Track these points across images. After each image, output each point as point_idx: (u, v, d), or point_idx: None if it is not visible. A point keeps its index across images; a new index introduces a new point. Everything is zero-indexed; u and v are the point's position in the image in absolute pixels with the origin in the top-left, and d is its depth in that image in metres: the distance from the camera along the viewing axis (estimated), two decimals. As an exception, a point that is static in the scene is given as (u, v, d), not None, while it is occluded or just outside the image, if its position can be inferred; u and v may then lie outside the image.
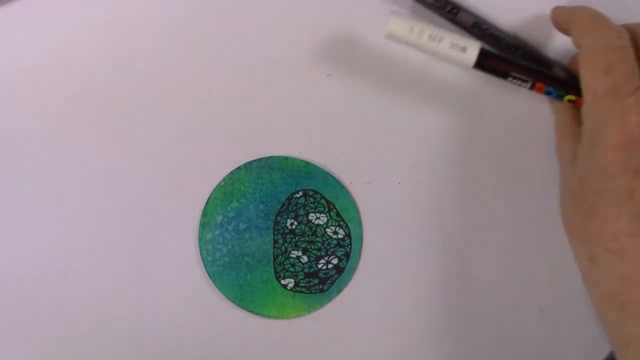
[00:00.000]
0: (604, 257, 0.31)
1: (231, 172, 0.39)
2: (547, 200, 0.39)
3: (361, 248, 0.40)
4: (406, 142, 0.40)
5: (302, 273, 0.40)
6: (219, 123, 0.39)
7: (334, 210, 0.40)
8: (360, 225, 0.40)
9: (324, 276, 0.40)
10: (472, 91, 0.39)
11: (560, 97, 0.34)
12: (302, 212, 0.40)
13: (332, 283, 0.40)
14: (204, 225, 0.39)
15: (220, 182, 0.39)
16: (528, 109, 0.39)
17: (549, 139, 0.38)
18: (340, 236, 0.40)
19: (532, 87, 0.34)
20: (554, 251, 0.40)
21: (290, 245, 0.40)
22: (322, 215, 0.40)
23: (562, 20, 0.35)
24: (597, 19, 0.33)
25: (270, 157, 0.40)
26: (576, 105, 0.34)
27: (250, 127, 0.39)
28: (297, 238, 0.40)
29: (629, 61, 0.31)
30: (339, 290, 0.40)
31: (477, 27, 0.36)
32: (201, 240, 0.40)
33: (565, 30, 0.35)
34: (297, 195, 0.40)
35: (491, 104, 0.39)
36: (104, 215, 0.40)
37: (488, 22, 0.37)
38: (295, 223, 0.40)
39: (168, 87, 0.39)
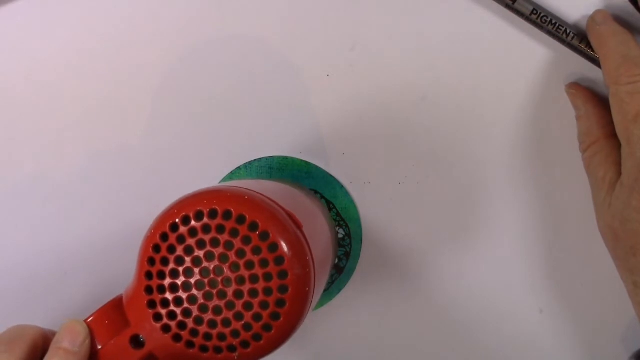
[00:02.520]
0: None
1: (231, 172, 0.39)
2: (546, 201, 0.39)
3: (361, 248, 0.40)
4: (406, 142, 0.39)
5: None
6: (219, 123, 0.39)
7: (334, 210, 0.40)
8: (360, 225, 0.40)
9: (324, 276, 0.40)
10: (471, 91, 0.39)
11: None
12: (302, 212, 0.40)
13: (332, 283, 0.40)
14: None
15: (221, 181, 0.39)
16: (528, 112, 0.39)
17: (547, 142, 0.38)
18: (340, 236, 0.40)
19: None
20: (554, 251, 0.40)
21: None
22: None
23: (594, 43, 0.36)
24: (626, 56, 0.34)
25: (270, 157, 0.39)
26: None
27: (250, 127, 0.39)
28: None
29: None
30: (339, 290, 0.40)
31: (535, 14, 0.36)
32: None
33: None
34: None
35: (490, 104, 0.39)
36: (104, 215, 0.40)
37: (546, 9, 0.36)
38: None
39: (168, 87, 0.39)
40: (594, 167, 0.36)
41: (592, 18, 0.36)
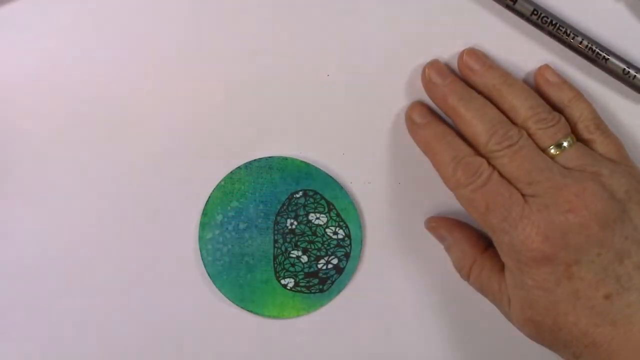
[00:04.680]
0: (587, 351, 0.33)
1: (231, 172, 0.39)
2: None
3: (361, 249, 0.40)
4: (406, 142, 0.39)
5: (302, 273, 0.40)
6: (219, 123, 0.39)
7: (334, 210, 0.40)
8: (360, 226, 0.40)
9: (323, 276, 0.40)
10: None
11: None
12: (302, 212, 0.40)
13: (332, 283, 0.40)
14: (204, 224, 0.40)
15: (220, 181, 0.40)
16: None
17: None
18: (340, 236, 0.40)
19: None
20: None
21: (290, 245, 0.40)
22: (322, 215, 0.40)
23: (420, 146, 0.37)
24: (457, 157, 0.35)
25: (270, 157, 0.40)
26: None
27: (250, 127, 0.39)
28: (297, 238, 0.40)
29: (498, 191, 0.33)
30: (339, 291, 0.40)
31: (536, 15, 0.36)
32: (201, 239, 0.40)
33: None
34: (297, 196, 0.40)
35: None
36: (104, 215, 0.40)
37: (546, 10, 0.36)
38: (295, 223, 0.40)
39: (168, 86, 0.39)
40: (486, 284, 0.36)
41: (410, 118, 0.37)
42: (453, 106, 0.35)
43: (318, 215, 0.40)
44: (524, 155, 0.34)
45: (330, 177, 0.40)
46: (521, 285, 0.33)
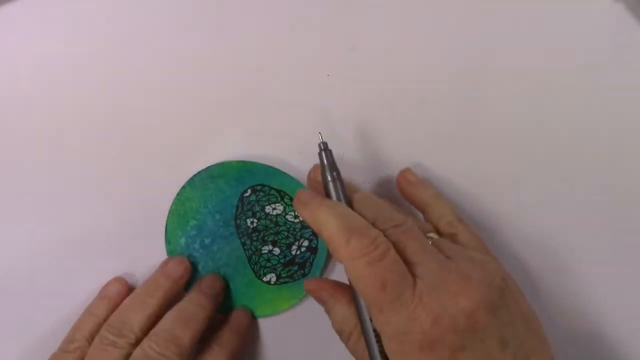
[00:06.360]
0: None
1: (178, 194, 0.40)
2: (542, 201, 0.40)
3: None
4: (406, 142, 0.40)
5: (279, 265, 0.40)
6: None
7: (287, 196, 0.40)
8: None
9: (300, 261, 0.40)
10: (472, 92, 0.40)
11: None
12: (257, 209, 0.40)
13: (311, 264, 0.40)
14: (172, 252, 0.40)
15: (172, 205, 0.40)
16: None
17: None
18: (301, 218, 0.40)
19: None
20: (553, 251, 0.40)
21: (258, 243, 0.40)
22: (277, 204, 0.40)
23: (311, 223, 0.34)
24: (350, 227, 0.32)
25: (208, 167, 0.40)
26: None
27: (250, 126, 0.40)
28: (262, 234, 0.40)
29: (394, 268, 0.31)
30: (320, 269, 0.40)
31: None
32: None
33: None
34: (247, 194, 0.40)
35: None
36: (103, 216, 0.40)
37: None
38: (255, 221, 0.40)
39: (168, 86, 0.39)
40: (365, 351, 0.34)
41: (297, 199, 0.35)
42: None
43: (273, 205, 0.40)
44: (411, 236, 0.33)
45: (271, 167, 0.40)
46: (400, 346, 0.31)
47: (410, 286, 0.31)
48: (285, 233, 0.40)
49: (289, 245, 0.40)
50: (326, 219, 0.32)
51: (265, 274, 0.40)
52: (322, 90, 0.40)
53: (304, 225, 0.40)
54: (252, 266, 0.40)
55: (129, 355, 0.35)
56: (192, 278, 0.40)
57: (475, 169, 0.40)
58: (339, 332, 0.35)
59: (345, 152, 0.40)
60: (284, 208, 0.40)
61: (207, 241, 0.40)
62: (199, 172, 0.40)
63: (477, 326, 0.31)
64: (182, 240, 0.40)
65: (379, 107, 0.40)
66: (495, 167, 0.40)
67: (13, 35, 0.39)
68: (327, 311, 0.36)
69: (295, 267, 0.40)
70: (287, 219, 0.40)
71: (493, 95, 0.40)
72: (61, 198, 0.40)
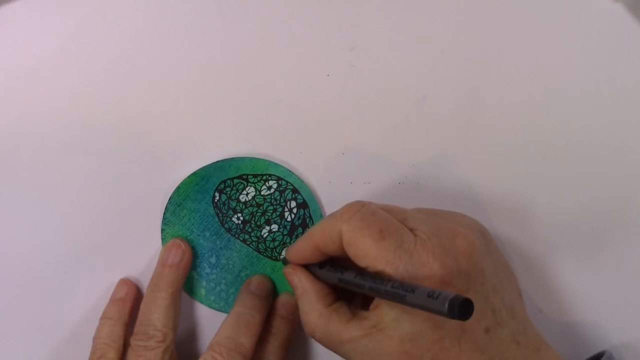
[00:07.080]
0: None
1: (162, 236, 0.40)
2: (540, 200, 0.40)
3: (298, 175, 0.40)
4: (407, 141, 0.40)
5: (286, 237, 0.40)
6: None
7: (249, 176, 0.40)
8: (275, 163, 0.40)
9: (299, 221, 0.40)
10: (473, 93, 0.40)
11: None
12: (234, 204, 0.40)
13: (310, 216, 0.40)
14: (193, 292, 0.40)
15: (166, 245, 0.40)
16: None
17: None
18: (272, 184, 0.40)
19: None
20: (552, 250, 0.40)
21: (257, 231, 0.40)
22: (247, 189, 0.40)
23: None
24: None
25: (170, 197, 0.40)
26: None
27: (249, 126, 0.40)
28: (254, 221, 0.40)
29: (388, 218, 0.33)
30: (320, 215, 0.40)
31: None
32: (202, 299, 0.40)
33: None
34: (217, 199, 0.40)
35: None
36: (103, 215, 0.41)
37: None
38: (240, 215, 0.40)
39: (165, 85, 0.40)
40: (335, 335, 0.34)
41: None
42: None
43: (245, 192, 0.40)
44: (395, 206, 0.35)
45: (217, 162, 0.40)
46: (407, 317, 0.32)
47: (408, 233, 0.32)
48: (271, 207, 0.40)
49: (281, 215, 0.40)
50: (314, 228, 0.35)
51: (279, 253, 0.40)
52: (322, 90, 0.40)
53: (279, 189, 0.40)
54: (265, 254, 0.40)
55: (165, 351, 0.37)
56: (224, 300, 0.40)
57: (475, 169, 0.40)
58: (304, 323, 0.35)
59: (345, 152, 0.40)
60: (254, 187, 0.40)
61: (213, 260, 0.40)
62: (166, 207, 0.40)
63: (477, 268, 0.32)
64: (193, 273, 0.40)
65: (379, 107, 0.40)
66: (495, 167, 0.40)
67: (13, 35, 0.40)
68: (297, 297, 0.36)
69: (300, 229, 0.40)
70: (262, 194, 0.40)
71: (493, 95, 0.40)
72: (61, 198, 0.40)
